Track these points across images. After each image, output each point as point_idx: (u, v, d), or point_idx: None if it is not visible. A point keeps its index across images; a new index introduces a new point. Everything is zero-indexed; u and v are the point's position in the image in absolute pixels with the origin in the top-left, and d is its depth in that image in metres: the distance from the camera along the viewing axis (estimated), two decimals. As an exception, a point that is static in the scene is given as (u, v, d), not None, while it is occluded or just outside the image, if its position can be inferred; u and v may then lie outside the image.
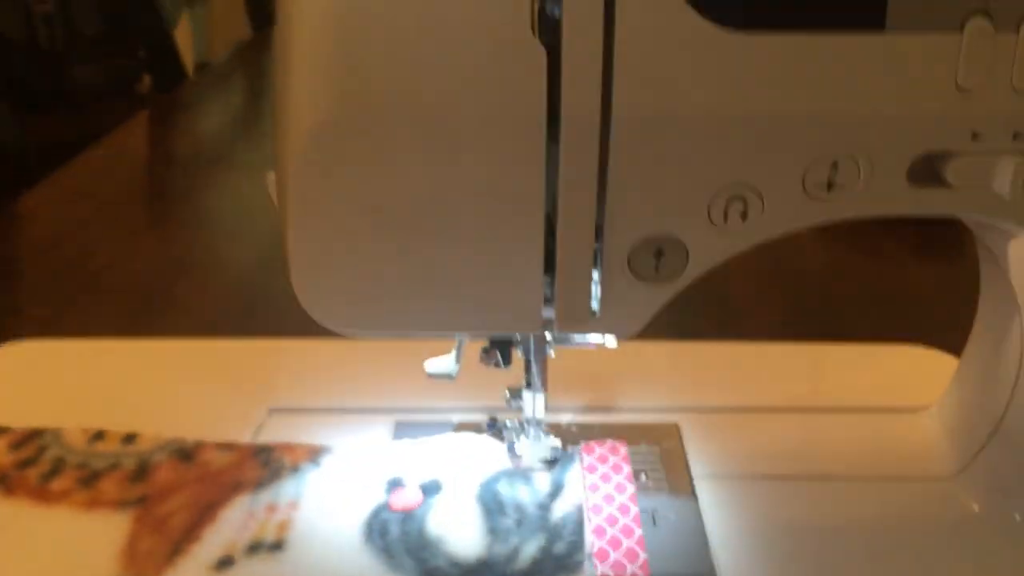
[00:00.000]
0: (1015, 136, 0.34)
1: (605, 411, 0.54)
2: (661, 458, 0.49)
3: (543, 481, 0.45)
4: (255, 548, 0.41)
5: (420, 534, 0.42)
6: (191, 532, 0.42)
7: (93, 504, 0.43)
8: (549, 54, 0.32)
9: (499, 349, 0.44)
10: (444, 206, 0.35)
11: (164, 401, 0.53)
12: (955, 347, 0.52)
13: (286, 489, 0.45)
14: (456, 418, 0.52)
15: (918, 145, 0.34)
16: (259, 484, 0.45)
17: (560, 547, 0.41)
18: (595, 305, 0.38)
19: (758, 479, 0.48)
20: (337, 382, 0.55)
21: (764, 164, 0.34)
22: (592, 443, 0.49)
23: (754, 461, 0.49)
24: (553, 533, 0.42)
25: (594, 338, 0.46)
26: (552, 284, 0.37)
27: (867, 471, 0.49)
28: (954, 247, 0.93)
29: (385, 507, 0.43)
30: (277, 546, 0.41)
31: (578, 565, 0.40)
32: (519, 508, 0.43)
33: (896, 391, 0.56)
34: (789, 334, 0.70)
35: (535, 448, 0.47)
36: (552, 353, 0.45)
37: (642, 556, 0.42)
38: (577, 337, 0.45)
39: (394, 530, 0.42)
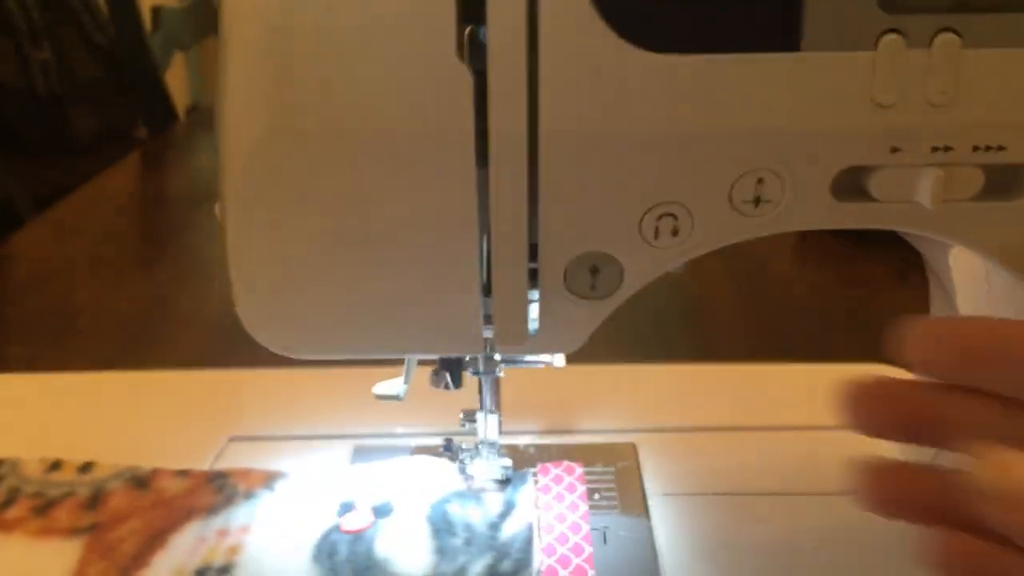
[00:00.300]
0: (933, 149, 0.34)
1: (563, 433, 0.54)
2: (616, 477, 0.49)
3: (495, 501, 0.46)
4: (203, 572, 0.41)
5: (368, 555, 0.42)
6: (140, 558, 0.42)
7: (45, 532, 0.44)
8: (477, 78, 0.33)
9: (448, 371, 0.45)
10: (379, 229, 0.36)
11: (124, 431, 0.53)
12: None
13: (238, 514, 0.45)
14: (414, 443, 0.52)
15: (839, 160, 0.35)
16: (211, 510, 0.45)
17: (507, 565, 0.41)
18: (535, 324, 0.39)
19: (712, 497, 0.48)
20: (297, 410, 0.55)
21: (690, 181, 0.35)
22: (548, 464, 0.49)
23: (709, 479, 0.50)
24: (501, 551, 0.42)
25: (543, 358, 0.46)
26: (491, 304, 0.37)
27: (825, 487, 0.49)
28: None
29: (335, 529, 0.44)
30: (225, 570, 0.41)
31: (525, 583, 0.41)
32: (468, 528, 0.44)
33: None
34: (768, 359, 0.71)
35: (487, 469, 0.48)
36: (501, 374, 0.46)
37: (590, 573, 0.42)
38: (526, 357, 0.46)
39: (342, 551, 0.42)
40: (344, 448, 0.52)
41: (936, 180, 0.34)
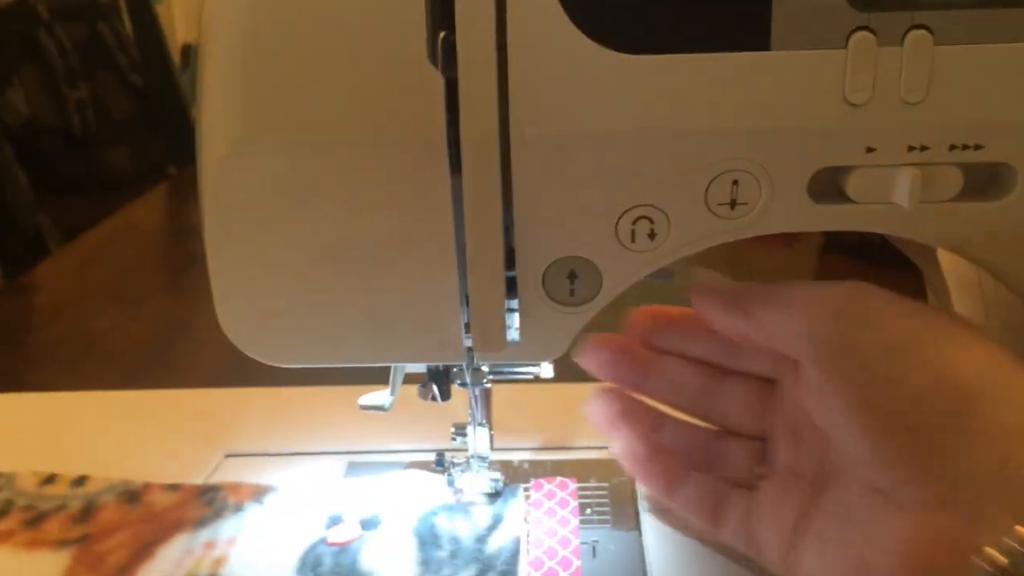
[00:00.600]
0: (909, 148, 0.34)
1: (559, 449, 0.54)
2: (610, 493, 0.49)
3: (483, 515, 0.45)
4: (187, 583, 0.41)
5: (352, 567, 0.42)
6: (126, 569, 0.42)
7: (34, 544, 0.44)
8: (450, 84, 0.33)
9: (435, 383, 0.45)
10: (356, 237, 0.36)
11: (120, 448, 0.54)
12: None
13: (227, 526, 0.45)
14: (408, 459, 0.52)
15: (814, 160, 0.34)
16: (199, 522, 0.45)
17: (491, 577, 0.41)
18: (516, 333, 0.39)
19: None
20: (293, 427, 0.55)
21: (665, 183, 0.35)
22: (542, 480, 0.49)
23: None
24: (486, 564, 0.42)
25: (530, 368, 0.46)
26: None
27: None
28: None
29: (322, 542, 0.44)
30: (209, 581, 0.41)
31: (508, 594, 0.40)
32: (455, 540, 0.43)
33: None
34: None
35: (477, 482, 0.47)
36: (489, 385, 0.45)
37: (577, 587, 0.41)
38: (512, 368, 0.46)
39: (327, 563, 0.42)
40: (338, 464, 0.52)
41: (913, 180, 0.34)
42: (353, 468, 0.51)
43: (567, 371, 0.50)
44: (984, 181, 0.35)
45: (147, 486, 0.48)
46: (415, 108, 0.34)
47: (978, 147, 0.34)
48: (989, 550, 0.29)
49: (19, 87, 2.11)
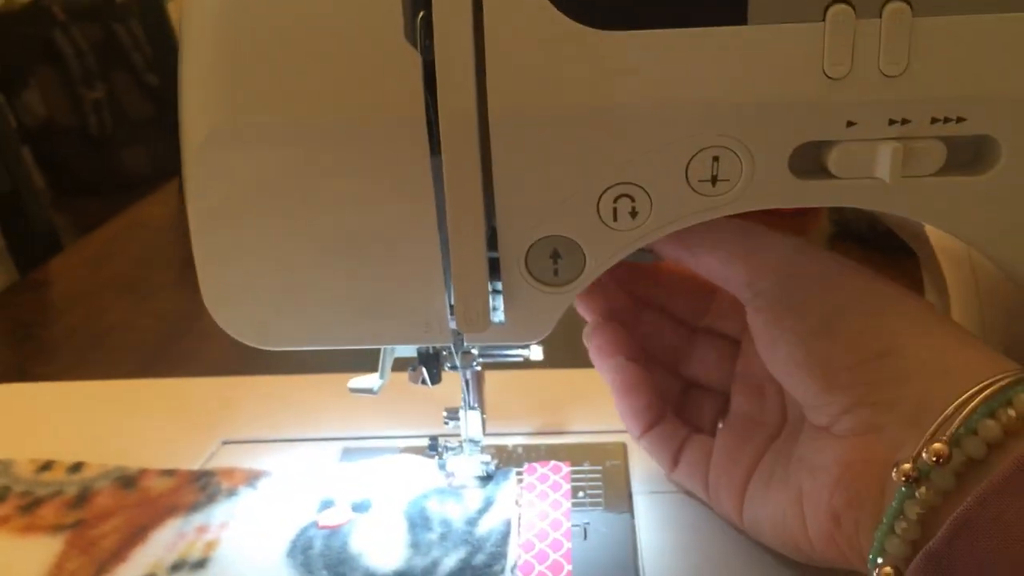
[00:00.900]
0: (890, 122, 0.34)
1: (553, 434, 0.54)
2: (603, 476, 0.49)
3: (474, 498, 0.45)
4: (178, 566, 0.41)
5: (342, 549, 0.42)
6: (119, 553, 0.42)
7: (29, 529, 0.44)
8: (428, 64, 0.33)
9: (425, 366, 0.45)
10: (338, 219, 0.36)
11: (118, 435, 0.54)
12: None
13: (220, 510, 0.45)
14: (402, 444, 0.52)
15: (794, 136, 0.34)
16: (193, 507, 0.45)
17: (481, 559, 0.41)
18: (501, 315, 0.39)
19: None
20: (289, 414, 0.56)
21: (644, 160, 0.35)
22: (535, 463, 0.49)
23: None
24: (476, 546, 0.42)
25: (520, 351, 0.46)
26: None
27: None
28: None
29: (313, 525, 0.44)
30: (200, 564, 0.41)
31: (496, 575, 0.40)
32: (445, 523, 0.43)
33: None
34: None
35: (469, 466, 0.47)
36: (479, 368, 0.45)
37: (567, 568, 0.41)
38: (501, 349, 0.46)
39: (317, 546, 0.42)
40: (333, 449, 0.52)
41: (895, 154, 0.34)
42: (348, 454, 0.51)
43: (560, 357, 0.51)
44: (969, 154, 0.35)
45: (143, 472, 0.48)
46: (394, 90, 0.34)
47: (960, 120, 0.34)
48: (904, 465, 0.32)
49: (35, 88, 2.13)
